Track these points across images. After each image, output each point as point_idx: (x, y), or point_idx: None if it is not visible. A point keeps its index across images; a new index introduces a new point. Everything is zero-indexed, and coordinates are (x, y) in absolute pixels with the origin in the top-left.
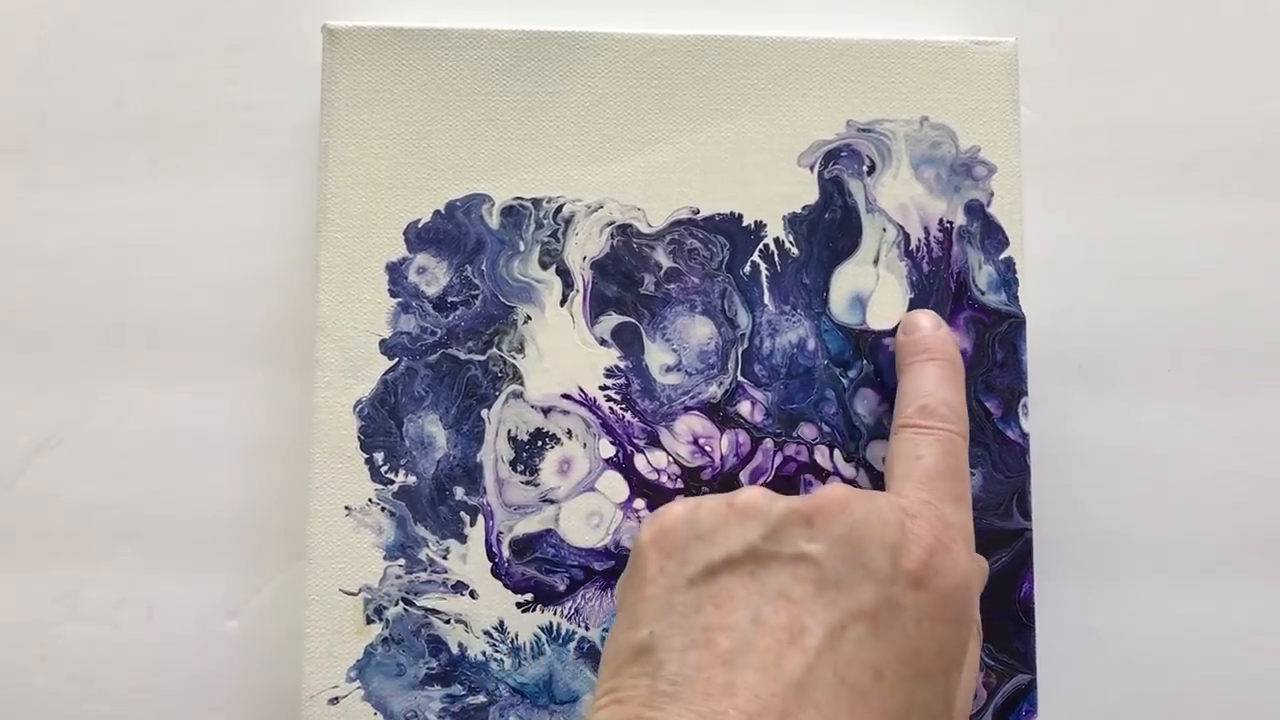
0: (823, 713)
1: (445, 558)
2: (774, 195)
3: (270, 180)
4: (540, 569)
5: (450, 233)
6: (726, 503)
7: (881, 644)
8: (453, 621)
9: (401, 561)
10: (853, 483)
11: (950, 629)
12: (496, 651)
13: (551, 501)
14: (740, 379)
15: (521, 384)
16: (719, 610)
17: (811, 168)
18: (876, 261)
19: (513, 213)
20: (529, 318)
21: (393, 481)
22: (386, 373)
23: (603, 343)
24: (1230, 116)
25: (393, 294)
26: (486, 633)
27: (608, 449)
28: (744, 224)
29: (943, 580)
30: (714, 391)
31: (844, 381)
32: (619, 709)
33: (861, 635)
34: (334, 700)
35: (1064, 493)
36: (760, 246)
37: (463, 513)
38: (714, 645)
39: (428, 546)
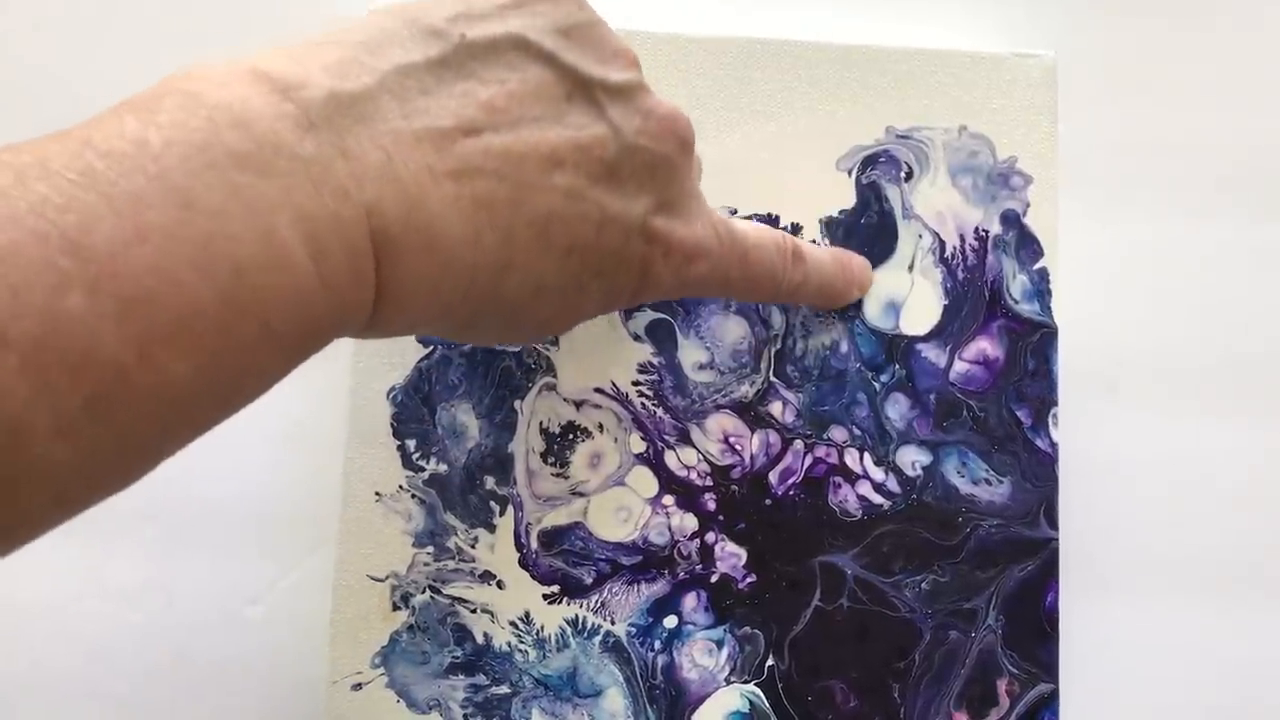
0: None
1: (473, 547)
2: (811, 198)
3: None
4: (568, 561)
5: None
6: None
7: (591, 234)
8: (479, 611)
9: (430, 549)
10: (882, 487)
11: (635, 283)
12: (521, 642)
13: (581, 494)
14: (772, 379)
15: (555, 376)
16: (510, 74)
17: (850, 172)
18: (911, 267)
19: None
20: None
21: (424, 469)
22: (421, 360)
23: (637, 338)
24: (1265, 136)
25: None
26: (512, 623)
27: (638, 444)
28: (781, 225)
29: (678, 270)
30: (746, 391)
31: (875, 385)
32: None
33: (590, 214)
34: (357, 686)
35: (1091, 505)
36: None
37: (492, 502)
38: (486, 86)
39: (456, 535)
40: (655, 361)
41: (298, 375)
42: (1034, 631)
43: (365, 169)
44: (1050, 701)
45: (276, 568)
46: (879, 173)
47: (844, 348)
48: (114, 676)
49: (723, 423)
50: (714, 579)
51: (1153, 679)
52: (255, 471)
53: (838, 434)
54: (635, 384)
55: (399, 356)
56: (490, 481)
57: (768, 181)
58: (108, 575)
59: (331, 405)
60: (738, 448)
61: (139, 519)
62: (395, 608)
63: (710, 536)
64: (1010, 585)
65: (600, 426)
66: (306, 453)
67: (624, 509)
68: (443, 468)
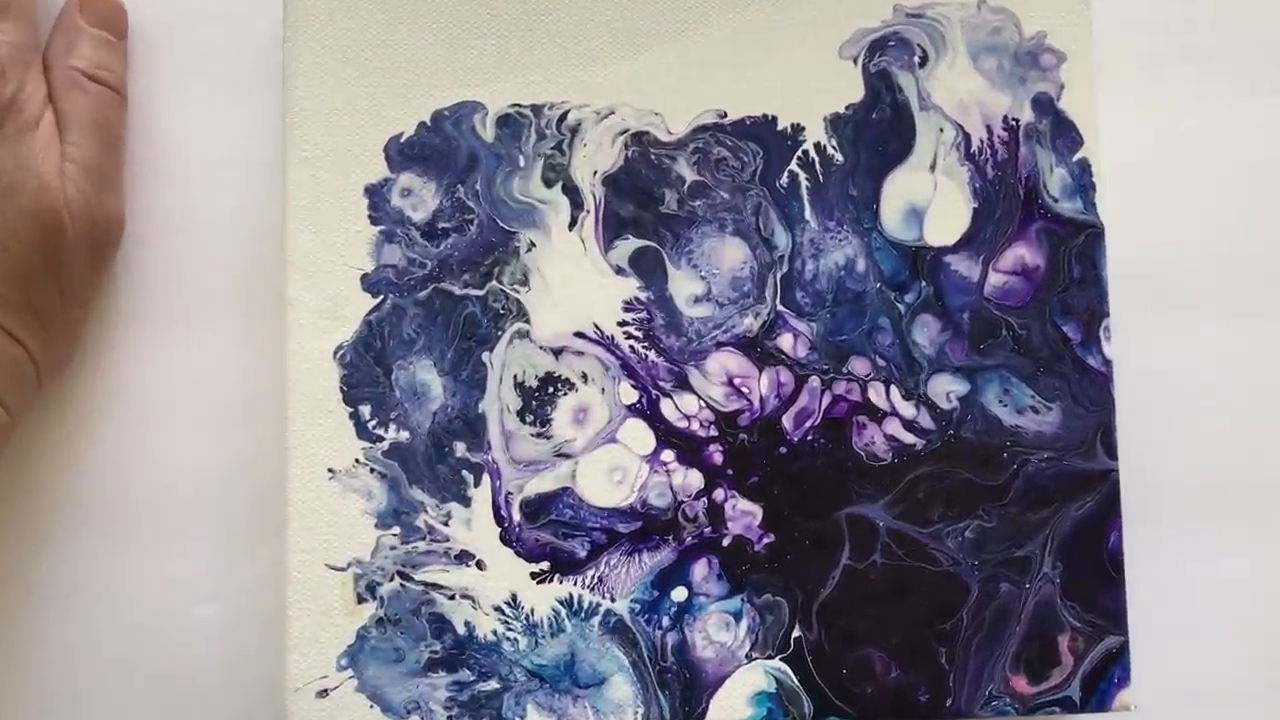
0: None
1: (446, 524)
2: (813, 93)
3: (235, 101)
4: (556, 534)
5: (438, 148)
6: None
7: None
8: (458, 597)
9: (396, 530)
10: (913, 424)
11: None
12: (509, 630)
13: (567, 456)
14: (780, 308)
15: (527, 322)
16: None
17: (855, 60)
18: (933, 167)
19: (510, 122)
20: (533, 244)
21: (382, 438)
22: (370, 312)
23: (619, 271)
24: None
25: (374, 221)
26: (497, 609)
27: (629, 394)
28: (779, 128)
29: None
30: (750, 324)
31: (900, 307)
32: None
33: None
34: (323, 692)
35: (1153, 428)
36: (799, 154)
37: (465, 472)
38: None
39: (425, 512)
40: (643, 297)
41: (227, 341)
42: (1097, 577)
43: None
44: (1120, 656)
45: (227, 562)
46: (889, 59)
47: (861, 266)
48: (52, 694)
49: (725, 362)
50: (726, 542)
51: (1234, 622)
52: (192, 457)
53: (859, 366)
54: (621, 324)
55: (344, 310)
56: (461, 448)
57: (761, 78)
58: (39, 580)
59: (270, 372)
60: (744, 390)
61: (70, 519)
62: (361, 600)
63: (719, 494)
64: (1067, 527)
65: (584, 376)
66: (252, 426)
67: (618, 469)
68: (404, 435)
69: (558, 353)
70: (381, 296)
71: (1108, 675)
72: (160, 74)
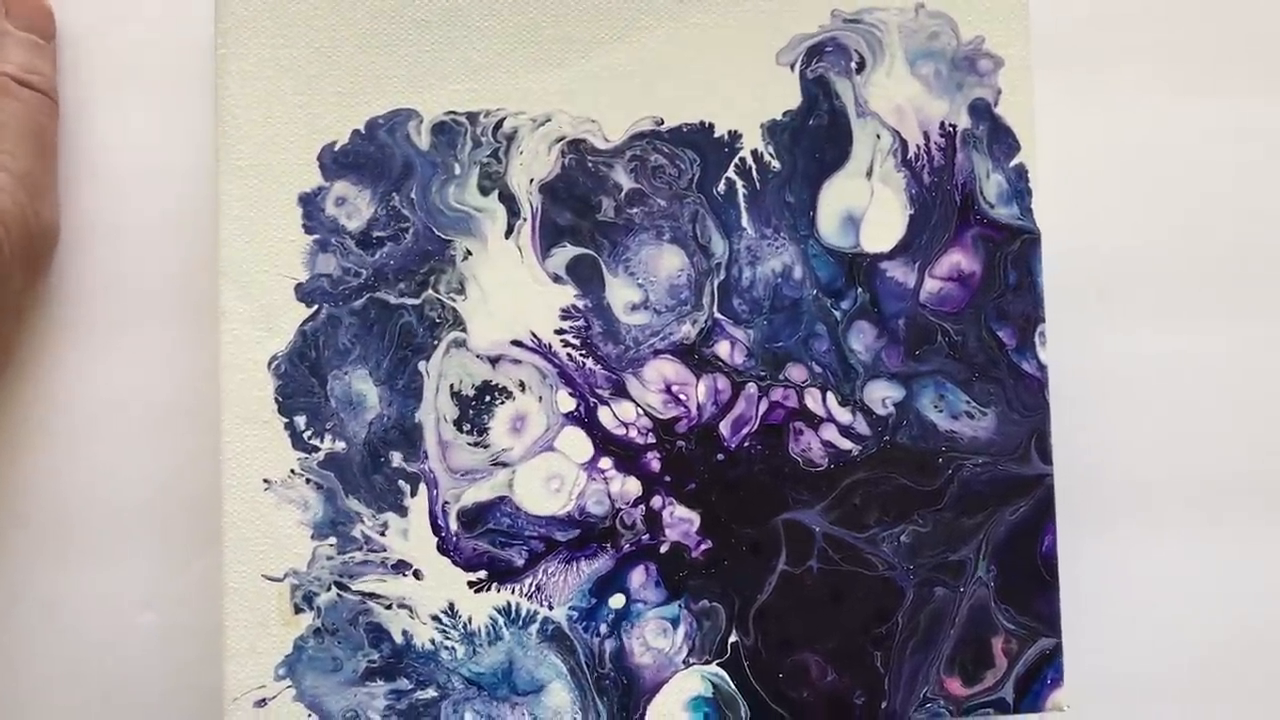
0: None
1: (383, 534)
2: (750, 100)
3: (167, 104)
4: (494, 542)
5: (373, 156)
6: None
7: None
8: (395, 607)
9: (332, 540)
10: (849, 429)
11: None
12: (447, 639)
13: (504, 464)
14: (717, 315)
15: (464, 330)
16: None
17: (792, 66)
18: (870, 174)
19: (445, 130)
20: (469, 253)
21: (318, 449)
22: (305, 322)
23: (557, 279)
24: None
25: (308, 230)
26: (435, 618)
27: (567, 402)
28: (716, 135)
29: None
30: (687, 331)
31: (836, 314)
32: None
33: None
34: (261, 702)
35: (1087, 433)
36: (736, 161)
37: (401, 481)
38: None
39: (362, 522)
40: (580, 305)
41: (162, 350)
42: (1031, 581)
43: None
44: (1053, 658)
45: (164, 572)
46: (826, 64)
47: (798, 273)
48: None
49: (663, 370)
50: (664, 549)
51: (1168, 624)
52: (127, 466)
53: (796, 373)
54: (559, 332)
55: (278, 320)
56: (397, 458)
57: (697, 84)
58: None
59: (205, 381)
60: (682, 397)
61: (5, 528)
62: (298, 610)
63: (657, 501)
64: (1001, 531)
65: (521, 385)
66: (188, 435)
67: (555, 477)
68: (340, 445)
69: (495, 361)
70: (316, 306)
71: (1041, 676)
72: (89, 77)
